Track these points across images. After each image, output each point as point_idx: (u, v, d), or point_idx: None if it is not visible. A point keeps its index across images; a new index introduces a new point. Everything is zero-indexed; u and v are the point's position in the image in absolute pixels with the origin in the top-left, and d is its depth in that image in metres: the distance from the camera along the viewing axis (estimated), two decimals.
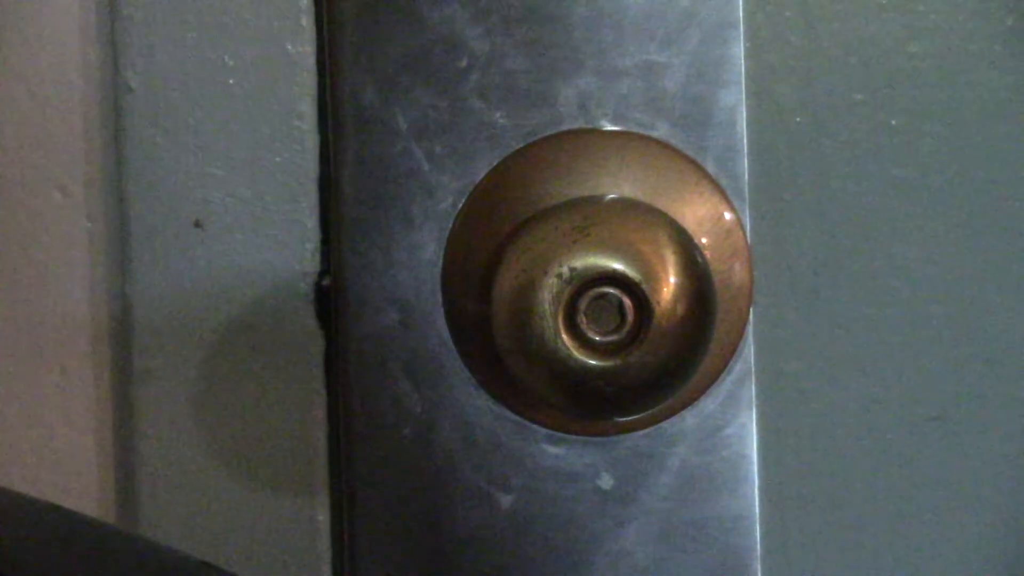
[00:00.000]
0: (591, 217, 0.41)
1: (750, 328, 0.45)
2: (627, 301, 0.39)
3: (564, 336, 0.39)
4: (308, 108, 0.45)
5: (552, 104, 0.43)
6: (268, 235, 0.45)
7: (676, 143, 0.44)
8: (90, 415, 0.46)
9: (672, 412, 0.44)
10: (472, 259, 0.43)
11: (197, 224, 0.44)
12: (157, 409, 0.45)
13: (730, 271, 0.43)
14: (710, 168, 0.44)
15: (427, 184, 0.44)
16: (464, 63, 0.43)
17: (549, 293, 0.39)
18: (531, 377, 0.40)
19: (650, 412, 0.43)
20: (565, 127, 0.44)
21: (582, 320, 0.39)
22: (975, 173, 0.46)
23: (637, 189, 0.43)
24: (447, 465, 0.44)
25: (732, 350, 0.44)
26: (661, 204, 0.43)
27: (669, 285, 0.39)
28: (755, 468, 0.45)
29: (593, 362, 0.39)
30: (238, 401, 0.45)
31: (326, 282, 0.45)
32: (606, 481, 0.44)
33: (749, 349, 0.45)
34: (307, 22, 0.45)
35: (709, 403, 0.44)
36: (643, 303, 0.39)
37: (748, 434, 0.44)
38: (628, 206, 0.42)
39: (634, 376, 0.39)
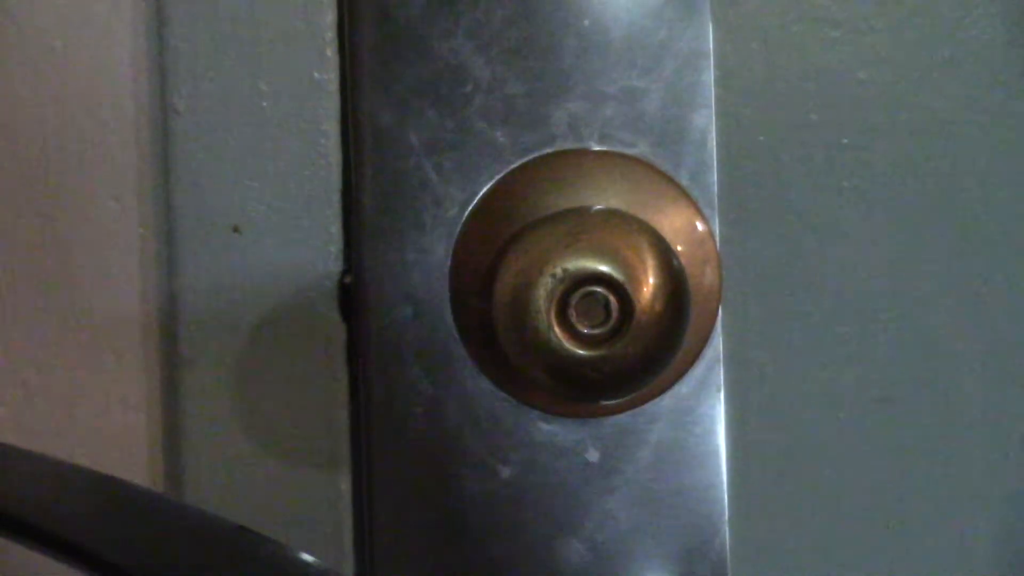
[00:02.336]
0: (581, 225, 0.40)
1: (719, 323, 0.44)
2: (612, 299, 0.39)
3: (556, 329, 0.39)
4: (332, 128, 0.44)
5: (546, 125, 0.43)
6: (297, 239, 0.44)
7: (654, 159, 0.43)
8: (141, 396, 0.46)
9: (651, 395, 0.44)
10: (476, 260, 0.43)
11: (235, 229, 0.44)
12: (200, 391, 0.45)
13: (702, 275, 0.43)
14: (684, 181, 0.43)
15: (436, 195, 0.43)
16: (469, 88, 0.43)
17: (544, 290, 0.39)
18: (527, 364, 0.40)
19: (632, 395, 0.43)
20: (558, 146, 0.43)
21: (572, 315, 0.39)
22: (916, 184, 0.46)
23: (621, 201, 0.43)
24: (454, 440, 0.44)
25: (704, 342, 0.44)
26: (642, 215, 0.42)
27: (649, 286, 0.39)
28: (723, 443, 0.45)
29: (581, 352, 0.39)
30: (271, 384, 0.45)
31: (348, 280, 0.44)
32: (593, 455, 0.44)
33: (718, 340, 0.45)
34: (331, 53, 0.44)
35: (683, 387, 0.44)
36: (626, 301, 0.39)
37: (717, 414, 0.45)
38: (613, 216, 0.41)
39: (617, 364, 0.39)
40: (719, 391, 0.45)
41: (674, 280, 0.40)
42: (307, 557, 0.34)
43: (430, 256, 0.44)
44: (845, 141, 0.46)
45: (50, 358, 0.46)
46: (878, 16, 0.45)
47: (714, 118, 0.44)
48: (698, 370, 0.45)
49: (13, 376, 0.46)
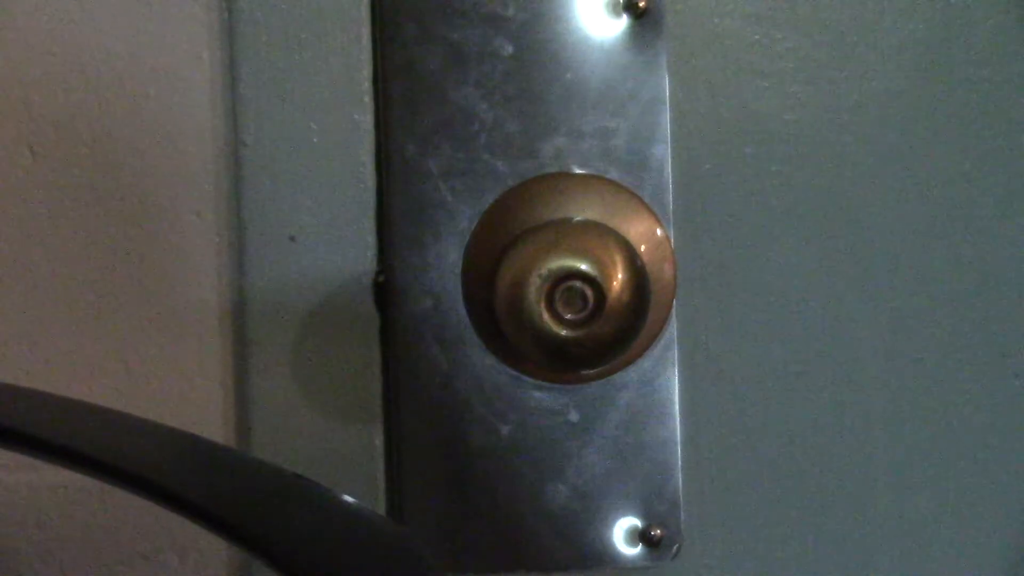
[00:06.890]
0: (564, 232, 0.42)
1: (674, 310, 0.46)
2: (588, 291, 0.40)
3: (545, 315, 0.40)
4: (368, 158, 0.45)
5: (537, 156, 0.45)
6: (341, 246, 0.45)
7: (623, 182, 0.45)
8: (217, 370, 0.46)
9: (620, 368, 0.45)
10: (482, 262, 0.44)
11: (292, 238, 0.45)
12: (263, 367, 0.45)
13: (661, 271, 0.45)
14: (646, 199, 0.45)
15: (450, 210, 0.45)
16: (476, 127, 0.45)
17: (534, 285, 0.40)
18: (522, 342, 0.41)
19: (604, 368, 0.44)
20: (546, 171, 0.45)
21: (557, 303, 0.40)
22: (829, 202, 0.47)
23: (595, 213, 0.44)
24: (464, 404, 0.45)
25: (662, 325, 0.46)
26: (612, 224, 0.43)
27: (618, 280, 0.40)
28: (677, 407, 0.46)
29: (564, 333, 0.40)
30: (319, 361, 0.45)
31: (381, 279, 0.45)
32: (574, 416, 0.45)
33: (674, 324, 0.46)
34: (367, 99, 0.45)
35: (646, 362, 0.46)
36: (600, 292, 0.40)
37: (672, 383, 0.46)
38: (589, 225, 0.43)
39: (593, 342, 0.41)
40: (674, 365, 0.46)
41: (638, 276, 0.41)
42: (348, 498, 0.35)
43: (446, 259, 0.45)
44: (774, 168, 0.47)
45: (144, 340, 0.47)
46: (800, 70, 0.47)
47: (670, 150, 0.45)
48: (657, 348, 0.46)
49: (115, 355, 0.47)
